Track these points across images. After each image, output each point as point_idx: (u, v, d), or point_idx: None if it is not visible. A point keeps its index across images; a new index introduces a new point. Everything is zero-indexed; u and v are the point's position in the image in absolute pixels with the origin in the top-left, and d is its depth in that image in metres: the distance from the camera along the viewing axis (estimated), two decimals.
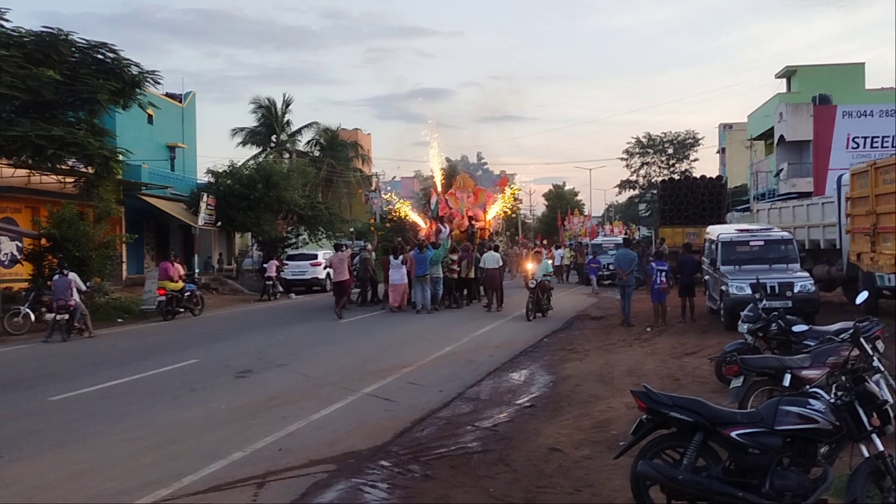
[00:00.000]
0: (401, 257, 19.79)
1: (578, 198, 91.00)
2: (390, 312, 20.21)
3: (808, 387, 5.89)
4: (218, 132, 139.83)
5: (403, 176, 69.73)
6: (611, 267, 30.71)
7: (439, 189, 25.74)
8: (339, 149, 53.16)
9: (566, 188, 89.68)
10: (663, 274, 16.77)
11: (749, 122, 42.48)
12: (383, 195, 26.14)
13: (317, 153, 53.64)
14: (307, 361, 10.71)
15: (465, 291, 22.37)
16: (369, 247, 25.18)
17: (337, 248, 21.03)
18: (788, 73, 40.58)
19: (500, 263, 20.71)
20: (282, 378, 11.13)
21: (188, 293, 20.94)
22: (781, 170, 32.80)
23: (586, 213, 60.55)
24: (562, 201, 71.08)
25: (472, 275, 21.60)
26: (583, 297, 26.24)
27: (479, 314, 20.27)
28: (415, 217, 25.19)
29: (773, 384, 7.06)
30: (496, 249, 22.45)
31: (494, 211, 25.05)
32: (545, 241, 48.73)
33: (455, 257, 21.57)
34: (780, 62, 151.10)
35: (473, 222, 24.15)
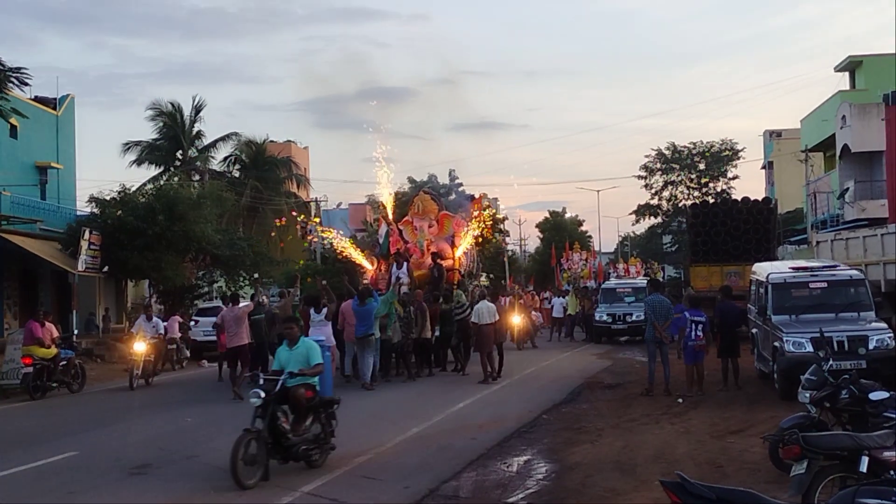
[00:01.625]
0: (323, 311, 19.44)
1: (584, 228, 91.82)
2: None
3: (893, 473, 5.94)
4: (105, 147, 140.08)
5: (352, 202, 69.76)
6: (630, 318, 31.31)
7: (390, 217, 26.04)
8: (266, 167, 53.84)
9: (566, 216, 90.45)
10: (699, 327, 16.98)
11: (803, 128, 43.39)
12: (320, 229, 25.91)
13: (237, 173, 54.27)
14: (225, 451, 10.53)
15: (431, 356, 22.72)
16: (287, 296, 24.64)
17: (232, 300, 20.73)
18: (852, 66, 40.91)
19: (496, 317, 20.91)
20: (191, 474, 11.09)
21: (64, 362, 20.76)
22: (847, 189, 33.51)
23: (591, 248, 61.14)
24: (560, 233, 71.83)
25: (427, 333, 21.72)
26: (591, 359, 26.55)
27: (455, 382, 20.42)
28: (358, 257, 25.41)
29: (846, 469, 7.12)
30: (494, 298, 22.71)
31: (466, 243, 25.27)
32: (529, 286, 49.01)
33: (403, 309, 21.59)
34: (841, 51, 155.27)
35: (438, 261, 24.20)
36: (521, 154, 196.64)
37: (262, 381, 10.77)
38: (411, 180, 58.62)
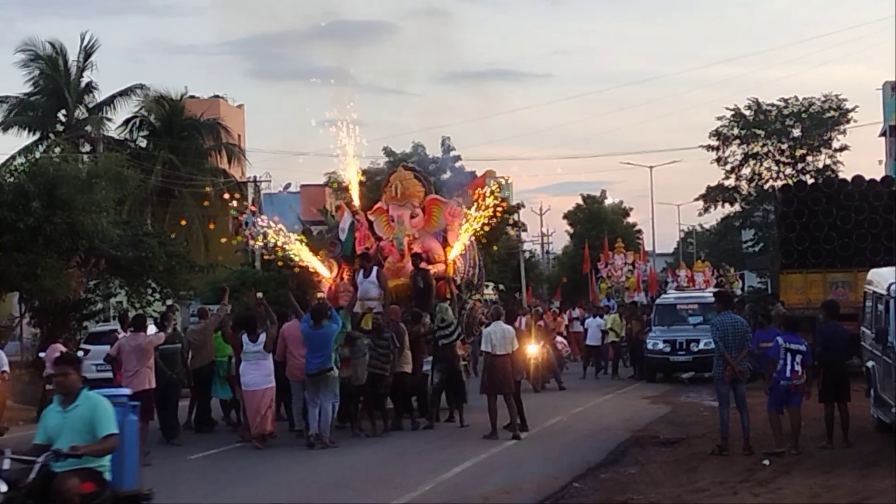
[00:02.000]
0: (261, 337, 19.43)
1: (631, 220, 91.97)
2: (251, 446, 19.79)
3: None
4: None
5: (306, 183, 70.16)
6: (695, 346, 31.39)
7: (356, 203, 26.15)
8: (185, 134, 54.08)
9: (606, 202, 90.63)
10: (797, 359, 16.92)
11: None
12: (259, 221, 25.81)
13: (144, 142, 54.53)
14: None
15: (411, 401, 22.83)
16: (213, 315, 24.37)
17: (133, 324, 20.55)
18: None
19: (516, 345, 20.94)
20: None
21: None
22: None
23: (641, 248, 61.14)
24: (598, 226, 71.90)
25: (406, 367, 21.77)
26: (642, 404, 26.59)
27: (448, 437, 20.49)
28: (310, 259, 25.27)
29: None
30: (513, 317, 22.80)
31: (464, 241, 25.02)
32: (554, 301, 49.02)
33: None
34: None
35: (424, 265, 24.07)
36: (543, 116, 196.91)
37: (5, 465, 8.99)
38: (389, 152, 58.27)
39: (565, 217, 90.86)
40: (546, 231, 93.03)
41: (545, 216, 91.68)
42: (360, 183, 27.34)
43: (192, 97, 61.10)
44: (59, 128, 50.58)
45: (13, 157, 44.75)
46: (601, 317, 37.73)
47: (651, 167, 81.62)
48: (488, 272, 50.53)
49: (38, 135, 50.01)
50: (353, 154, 26.71)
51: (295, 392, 20.58)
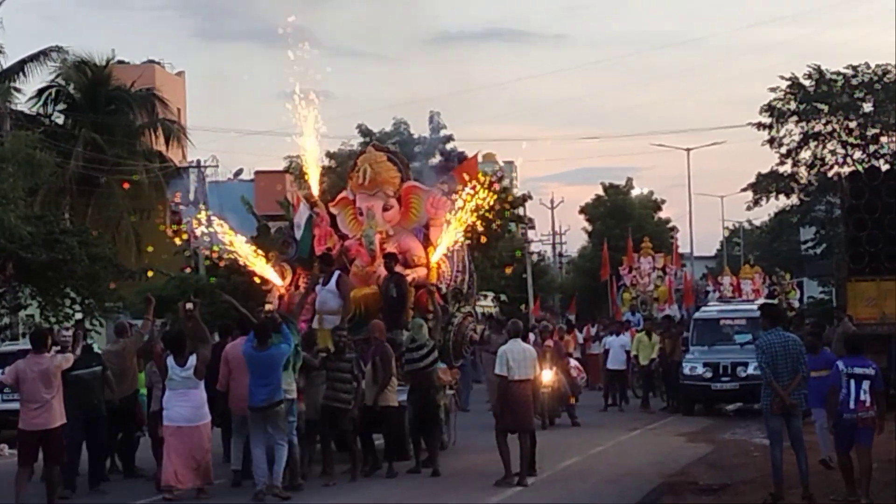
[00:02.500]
0: (191, 360, 19.19)
1: (664, 215, 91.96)
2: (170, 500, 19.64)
3: None
4: None
5: (260, 169, 70.25)
6: (743, 371, 31.31)
7: (316, 193, 26.35)
8: (112, 108, 54.11)
9: (632, 193, 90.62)
10: (864, 385, 16.89)
11: None
12: (201, 215, 25.24)
13: (61, 118, 54.83)
14: None
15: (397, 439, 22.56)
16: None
17: (34, 343, 19.39)
18: None
19: (537, 370, 21.28)
20: None
21: None
22: None
23: (674, 248, 60.60)
24: (622, 221, 71.85)
25: (390, 399, 21.61)
26: (677, 442, 26.67)
27: (436, 485, 20.39)
28: (254, 262, 25.14)
29: None
30: (525, 334, 23.28)
31: (452, 238, 24.76)
32: (567, 314, 49.12)
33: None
34: None
35: (400, 268, 23.96)
36: (554, 87, 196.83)
37: None
38: (365, 131, 57.40)
39: (582, 211, 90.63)
40: (559, 229, 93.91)
41: (557, 210, 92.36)
42: (328, 169, 27.44)
43: (120, 62, 61.07)
44: None
45: None
46: (623, 334, 37.77)
47: (688, 150, 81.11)
48: (486, 279, 50.37)
49: None
50: (313, 129, 26.10)
51: (237, 429, 20.64)
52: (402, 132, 51.98)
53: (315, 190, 26.41)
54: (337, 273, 23.40)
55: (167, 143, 58.28)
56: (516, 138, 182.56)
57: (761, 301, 38.75)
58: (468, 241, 25.94)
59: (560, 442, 25.90)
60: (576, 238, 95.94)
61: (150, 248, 42.26)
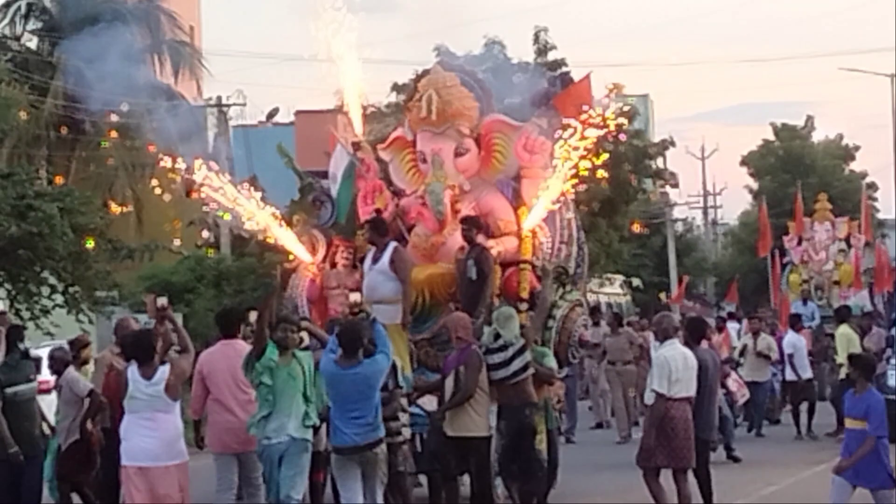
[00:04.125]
0: (160, 370, 15.84)
1: (857, 167, 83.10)
2: None
3: None
4: None
5: (301, 109, 65.80)
6: None
7: (360, 132, 22.99)
8: (101, 27, 48.86)
9: (815, 137, 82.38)
10: None
11: None
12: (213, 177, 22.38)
13: (34, 41, 52.55)
14: None
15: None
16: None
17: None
18: None
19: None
20: None
21: None
22: None
23: (864, 211, 54.17)
24: (801, 175, 65.63)
25: (478, 426, 18.20)
26: None
27: None
28: (279, 235, 22.36)
29: None
30: (702, 333, 20.32)
31: (551, 198, 20.91)
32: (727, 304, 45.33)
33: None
34: None
35: (482, 238, 20.67)
36: None
37: None
38: (445, 53, 52.07)
39: (744, 162, 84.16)
40: (712, 187, 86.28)
41: (710, 161, 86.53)
42: (394, 107, 24.11)
43: None
44: None
45: None
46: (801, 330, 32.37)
47: (892, 76, 72.14)
48: (611, 257, 44.93)
49: None
50: (351, 49, 22.95)
51: (220, 470, 17.25)
52: (495, 55, 47.52)
53: (358, 127, 23.09)
54: (392, 246, 20.37)
55: (176, 73, 54.44)
56: (652, 63, 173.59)
57: None
58: (577, 202, 23.50)
59: (721, 480, 21.23)
60: (736, 199, 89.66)
61: (176, 223, 40.86)
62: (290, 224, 22.59)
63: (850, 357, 19.56)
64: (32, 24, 52.05)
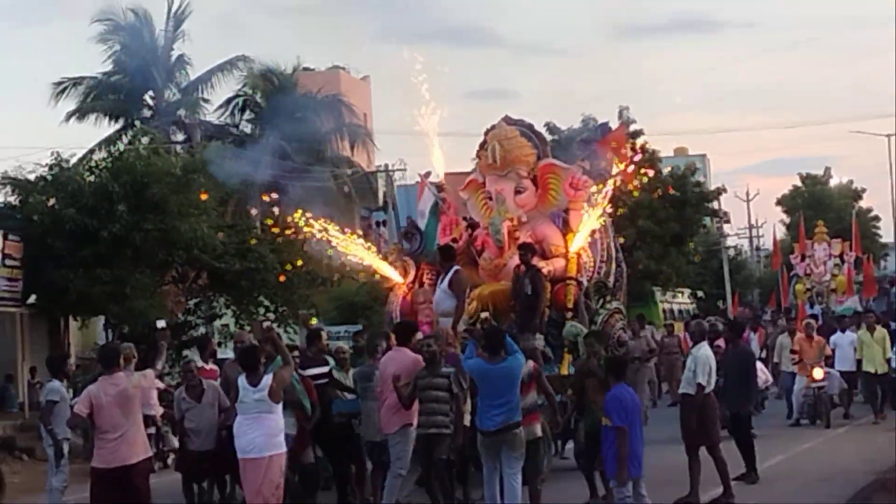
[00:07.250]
0: (265, 379, 16.79)
1: (866, 204, 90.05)
2: None
3: None
4: (25, 91, 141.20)
5: (449, 171, 69.09)
6: None
7: (440, 176, 25.11)
8: (298, 115, 53.63)
9: (830, 182, 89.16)
10: None
11: None
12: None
13: (248, 128, 55.35)
14: None
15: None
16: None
17: (104, 360, 16.93)
18: None
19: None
20: None
21: None
22: None
23: (854, 233, 56.36)
24: (821, 212, 71.47)
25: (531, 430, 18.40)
26: (890, 437, 25.03)
27: None
28: (373, 262, 24.53)
29: None
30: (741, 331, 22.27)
31: (592, 222, 22.86)
32: (770, 310, 47.96)
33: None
34: None
35: (537, 260, 22.09)
36: (745, 74, 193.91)
37: None
38: (552, 129, 56.90)
39: (779, 203, 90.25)
40: (755, 221, 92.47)
41: (753, 203, 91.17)
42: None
43: (305, 70, 61.82)
44: (147, 113, 51.24)
45: (92, 151, 45.50)
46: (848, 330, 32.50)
47: (891, 135, 77.89)
48: (683, 275, 49.45)
49: (121, 122, 50.51)
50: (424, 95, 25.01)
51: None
52: (590, 129, 51.14)
53: (441, 171, 25.14)
54: (453, 269, 21.94)
55: (352, 148, 58.68)
56: (708, 130, 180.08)
57: None
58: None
59: (760, 444, 22.78)
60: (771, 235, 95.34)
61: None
62: (384, 258, 24.55)
63: None
64: (248, 115, 55.82)
